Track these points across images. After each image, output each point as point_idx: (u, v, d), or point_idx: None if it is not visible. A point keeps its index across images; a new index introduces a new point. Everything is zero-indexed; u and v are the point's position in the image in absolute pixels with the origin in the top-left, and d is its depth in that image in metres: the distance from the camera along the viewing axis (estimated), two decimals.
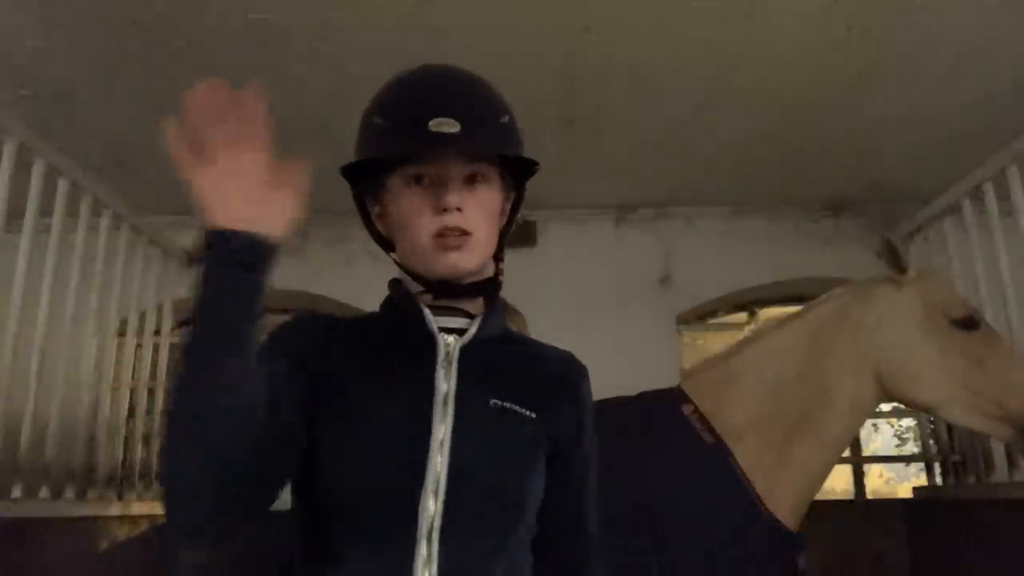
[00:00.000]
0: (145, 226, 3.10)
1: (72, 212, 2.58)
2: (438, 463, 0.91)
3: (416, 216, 0.97)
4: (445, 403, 0.94)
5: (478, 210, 0.97)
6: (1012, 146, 2.39)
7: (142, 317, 3.18)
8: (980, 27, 2.35)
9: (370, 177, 1.03)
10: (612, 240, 3.72)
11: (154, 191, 3.37)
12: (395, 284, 1.07)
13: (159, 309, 3.29)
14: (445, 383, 0.96)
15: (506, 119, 1.01)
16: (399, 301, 1.04)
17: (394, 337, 1.02)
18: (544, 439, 1.00)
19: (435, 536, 0.88)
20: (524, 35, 2.37)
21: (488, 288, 1.03)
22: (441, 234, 0.95)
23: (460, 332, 1.01)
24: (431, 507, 0.89)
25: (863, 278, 2.18)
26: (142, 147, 3.04)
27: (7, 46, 2.37)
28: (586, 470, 1.07)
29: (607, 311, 3.51)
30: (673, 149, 3.17)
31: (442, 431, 0.92)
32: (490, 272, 1.04)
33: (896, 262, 2.02)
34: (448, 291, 1.00)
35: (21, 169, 2.28)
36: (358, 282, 3.53)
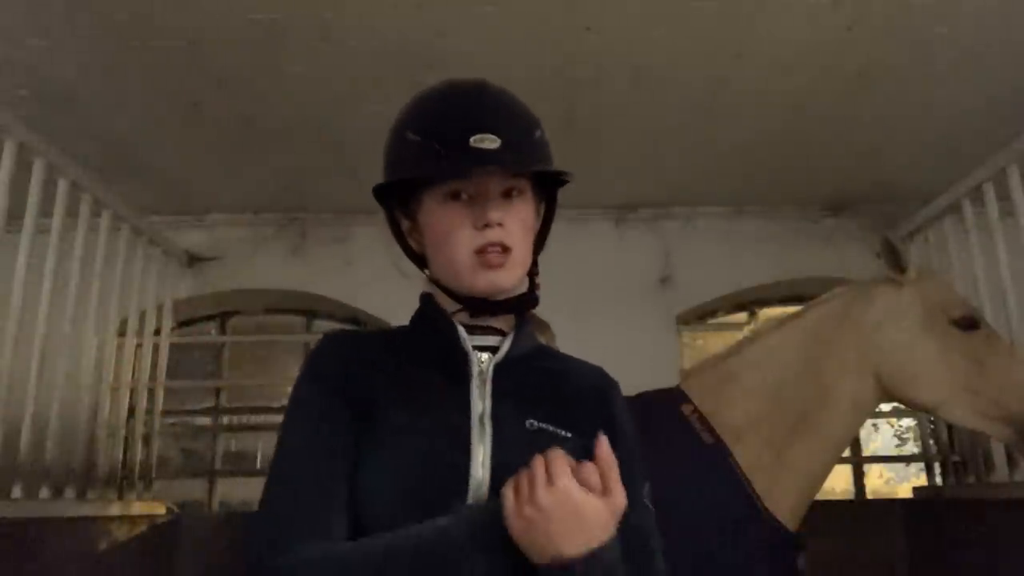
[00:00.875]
0: (145, 226, 3.11)
1: (72, 212, 2.58)
2: (480, 484, 0.89)
3: (455, 232, 0.95)
4: (482, 423, 0.93)
5: (517, 225, 0.97)
6: (1012, 146, 2.40)
7: (142, 317, 3.18)
8: (980, 27, 2.35)
9: (401, 193, 1.02)
10: (612, 240, 3.72)
11: (154, 191, 3.38)
12: (428, 299, 1.04)
13: (159, 309, 3.29)
14: (480, 402, 0.94)
15: (539, 134, 1.01)
16: (433, 318, 1.02)
17: (427, 355, 1.00)
18: (579, 457, 0.94)
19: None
20: (524, 35, 2.37)
21: (523, 304, 1.01)
22: (483, 251, 0.94)
23: (493, 350, 1.00)
24: None
25: (863, 278, 2.18)
26: (142, 147, 3.05)
27: (7, 46, 2.37)
28: (630, 484, 0.97)
29: (607, 311, 3.51)
30: (673, 149, 3.17)
31: (481, 452, 0.91)
32: (524, 288, 1.02)
33: (896, 262, 2.02)
34: (484, 308, 0.99)
35: (21, 169, 2.28)
36: (358, 282, 3.53)
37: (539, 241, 1.06)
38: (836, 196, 3.63)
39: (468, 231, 0.95)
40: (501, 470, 0.89)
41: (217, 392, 3.79)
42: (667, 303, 3.65)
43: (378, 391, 0.96)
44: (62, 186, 2.52)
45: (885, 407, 2.30)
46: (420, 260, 1.05)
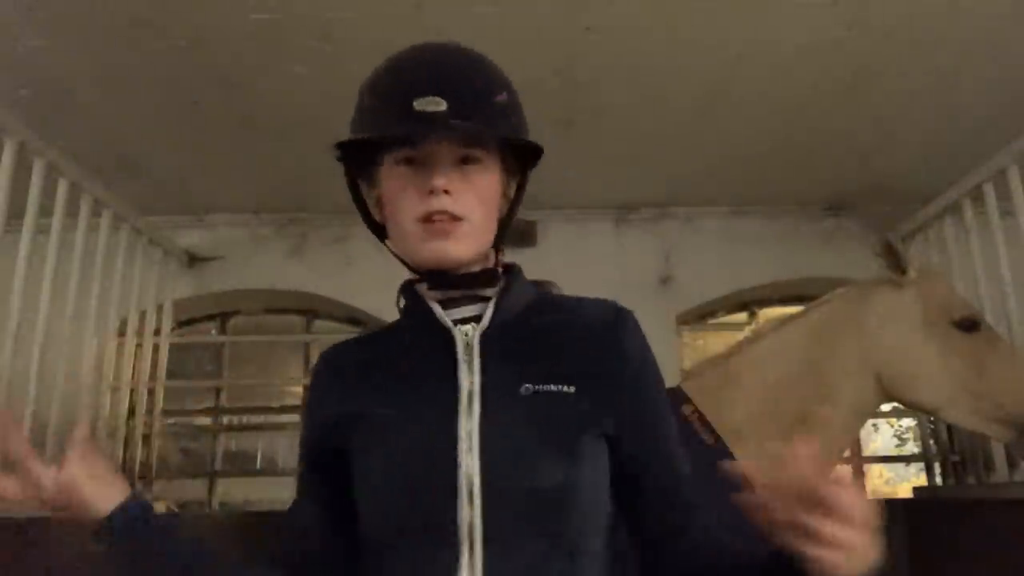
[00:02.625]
0: (145, 226, 3.10)
1: (72, 212, 2.58)
2: (469, 465, 0.85)
3: (402, 199, 0.92)
4: (470, 400, 0.88)
5: (470, 194, 0.91)
6: (1012, 146, 2.39)
7: (142, 317, 3.18)
8: (980, 27, 2.35)
9: (365, 159, 0.98)
10: (612, 240, 3.72)
11: (154, 191, 3.37)
12: (405, 287, 1.01)
13: (159, 309, 3.29)
14: (468, 378, 0.90)
15: (503, 97, 0.94)
16: (407, 302, 0.99)
17: (412, 342, 0.97)
18: (591, 412, 0.91)
19: (477, 544, 0.83)
20: (524, 35, 2.37)
21: (484, 279, 0.96)
22: (428, 219, 0.90)
23: (477, 319, 0.95)
24: (467, 513, 0.83)
25: (863, 278, 2.18)
26: (142, 147, 3.04)
27: (7, 46, 2.37)
28: (657, 425, 0.97)
29: None
30: (673, 149, 3.16)
31: (469, 431, 0.86)
32: (490, 263, 0.99)
33: (895, 263, 2.02)
34: (442, 281, 0.95)
35: (21, 169, 2.28)
36: (358, 282, 3.52)
37: (507, 217, 0.99)
38: (836, 196, 3.62)
39: (414, 198, 0.90)
40: (491, 444, 0.86)
41: (217, 392, 3.79)
42: (667, 303, 3.64)
43: (367, 394, 0.94)
44: (62, 186, 2.52)
45: (885, 407, 2.29)
46: (381, 231, 1.00)
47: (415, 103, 0.88)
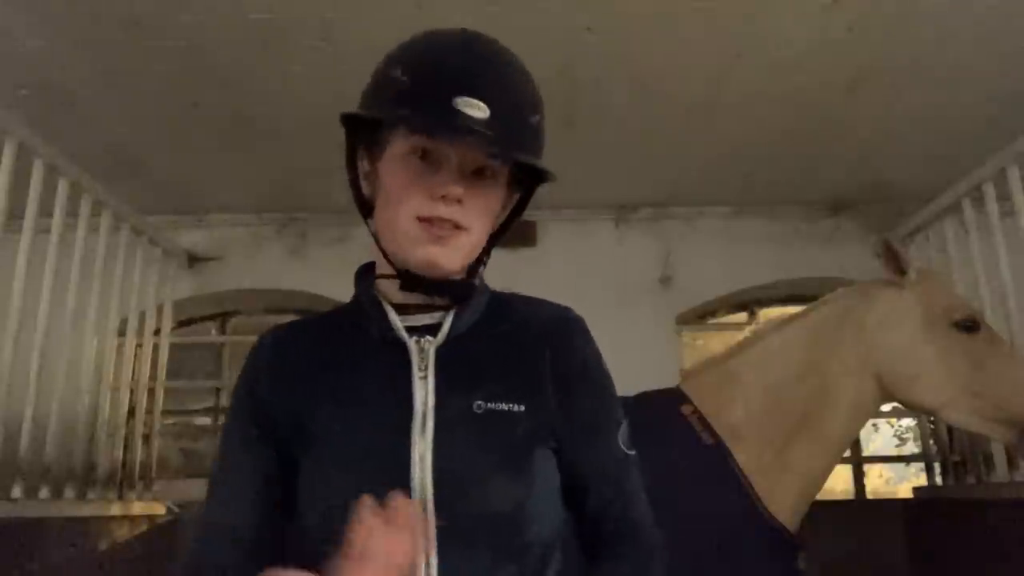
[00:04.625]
0: (145, 226, 3.10)
1: (72, 212, 2.58)
2: (422, 487, 0.82)
3: (408, 192, 0.85)
4: (424, 419, 0.85)
5: (479, 208, 0.87)
6: (1012, 146, 2.39)
7: (142, 317, 3.18)
8: (980, 27, 2.35)
9: (370, 129, 0.92)
10: (612, 240, 3.72)
11: (154, 191, 3.38)
12: (361, 277, 0.96)
13: (159, 309, 3.29)
14: (422, 393, 0.86)
15: (536, 119, 0.91)
16: (363, 301, 0.93)
17: (362, 345, 0.91)
18: (540, 429, 0.89)
19: (433, 561, 0.81)
20: (524, 35, 2.35)
21: (457, 291, 0.91)
22: (429, 220, 0.85)
23: (433, 329, 0.90)
24: (423, 532, 0.81)
25: (863, 278, 2.18)
26: (143, 147, 3.04)
27: (7, 46, 2.37)
28: (593, 435, 0.94)
29: (607, 311, 3.49)
30: (673, 149, 3.16)
31: (421, 451, 0.83)
32: (468, 274, 0.94)
33: (896, 265, 2.02)
34: (415, 285, 0.89)
35: (21, 169, 2.28)
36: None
37: (500, 232, 0.96)
38: (836, 196, 3.62)
39: (421, 196, 0.84)
40: (445, 464, 0.83)
41: (217, 392, 3.79)
42: (667, 303, 3.65)
43: (315, 398, 0.89)
44: (62, 186, 2.52)
45: (885, 407, 2.29)
46: (366, 207, 0.94)
47: (456, 100, 0.82)
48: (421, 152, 0.86)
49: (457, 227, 0.86)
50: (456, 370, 0.89)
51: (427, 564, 0.81)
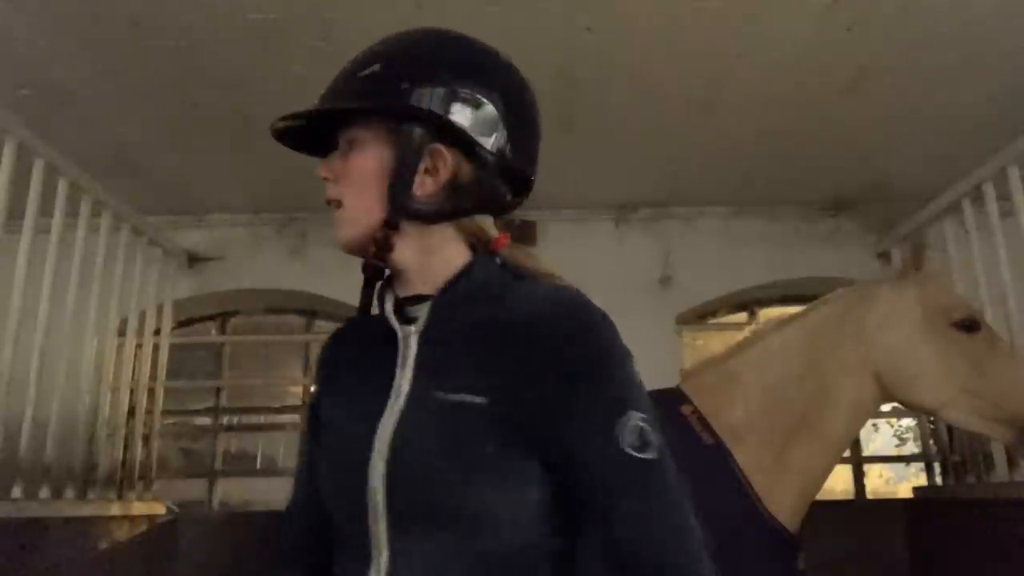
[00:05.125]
0: (145, 226, 3.10)
1: (72, 212, 2.58)
2: (376, 478, 0.82)
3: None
4: (393, 408, 0.85)
5: (345, 179, 0.93)
6: (1012, 146, 2.39)
7: (142, 317, 3.18)
8: (980, 27, 2.35)
9: None
10: (612, 240, 3.72)
11: (154, 191, 3.38)
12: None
13: (159, 309, 3.29)
14: (400, 383, 0.86)
15: (374, 68, 0.91)
16: (373, 294, 0.97)
17: (370, 341, 0.95)
18: (507, 427, 0.80)
19: (384, 551, 0.81)
20: (524, 35, 2.37)
21: (370, 270, 0.92)
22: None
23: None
24: (375, 526, 0.82)
25: (863, 278, 2.18)
26: (142, 147, 3.05)
27: (7, 46, 2.37)
28: (586, 447, 0.79)
29: (607, 311, 3.50)
30: (673, 149, 3.17)
31: (381, 440, 0.83)
32: (437, 255, 0.91)
33: (918, 263, 2.02)
34: (374, 276, 0.95)
35: (21, 169, 2.28)
36: (358, 282, 3.51)
37: (396, 189, 0.89)
38: (836, 196, 3.62)
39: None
40: (401, 455, 0.82)
41: (217, 392, 3.79)
42: (667, 303, 3.65)
43: (330, 394, 0.97)
44: (62, 186, 2.52)
45: (885, 407, 2.29)
46: None
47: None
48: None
49: (336, 203, 0.93)
50: (432, 359, 0.87)
51: (379, 555, 0.82)
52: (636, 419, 0.80)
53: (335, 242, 0.94)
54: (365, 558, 0.82)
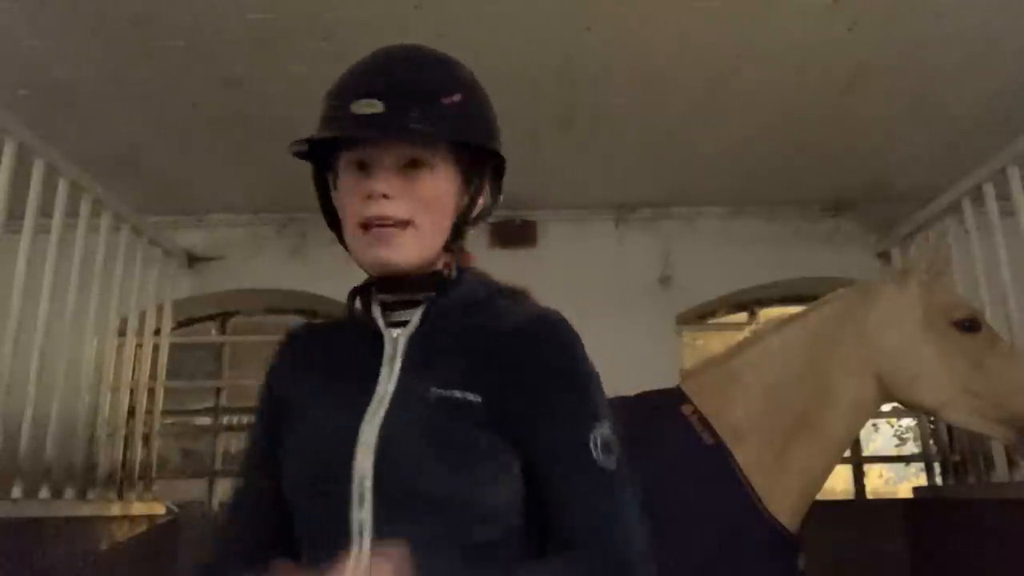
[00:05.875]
0: (145, 226, 3.10)
1: (72, 212, 2.58)
2: (363, 468, 0.84)
3: (347, 203, 0.92)
4: (380, 403, 0.88)
5: (414, 199, 0.89)
6: (1012, 146, 2.39)
7: (142, 317, 3.18)
8: (980, 27, 2.35)
9: (330, 162, 0.99)
10: (612, 240, 3.72)
11: (154, 191, 3.38)
12: (364, 282, 1.02)
13: (159, 309, 3.29)
14: (386, 381, 0.90)
15: (455, 98, 0.91)
16: (353, 299, 0.99)
17: (352, 340, 0.98)
18: (497, 426, 0.87)
19: (366, 543, 0.83)
20: (524, 35, 2.37)
21: (432, 283, 0.95)
22: (368, 225, 0.89)
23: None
24: (359, 513, 0.84)
25: (863, 278, 2.18)
26: (143, 147, 3.05)
27: (7, 46, 2.37)
28: (564, 449, 0.88)
29: (607, 311, 3.50)
30: (673, 149, 3.17)
31: (368, 432, 0.86)
32: (440, 265, 0.97)
33: (937, 261, 2.02)
34: (388, 285, 0.95)
35: (21, 169, 2.28)
36: (357, 282, 3.51)
37: (464, 220, 0.96)
38: (836, 196, 3.63)
39: (356, 202, 0.90)
40: (388, 447, 0.85)
41: (217, 392, 3.79)
42: (667, 303, 3.65)
43: (302, 384, 0.97)
44: (62, 186, 2.52)
45: (885, 407, 2.29)
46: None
47: (352, 105, 0.89)
48: (358, 165, 0.92)
49: (401, 224, 0.89)
50: (421, 359, 0.92)
51: (361, 542, 0.83)
52: (604, 430, 0.90)
53: (390, 261, 0.89)
54: (342, 547, 0.83)
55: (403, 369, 0.91)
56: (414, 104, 0.89)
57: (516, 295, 1.03)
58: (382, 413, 0.87)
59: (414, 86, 0.91)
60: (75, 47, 2.40)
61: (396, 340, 0.93)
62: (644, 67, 2.57)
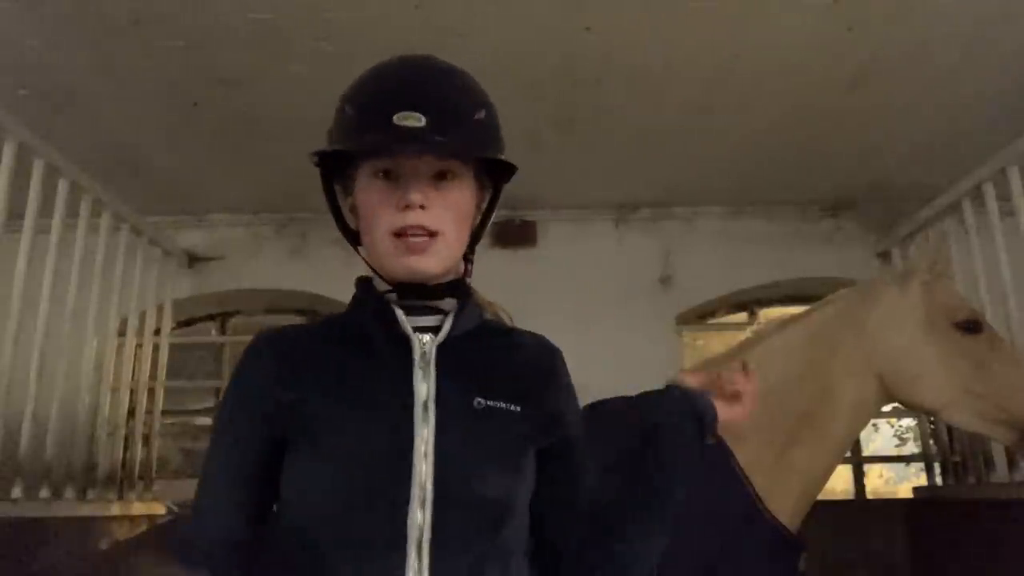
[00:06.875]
0: (145, 226, 3.10)
1: (72, 212, 2.58)
2: (423, 472, 0.88)
3: (378, 211, 0.94)
4: (426, 408, 0.91)
5: (445, 209, 0.93)
6: (1012, 146, 2.39)
7: (142, 317, 3.18)
8: (980, 27, 2.35)
9: (342, 167, 1.00)
10: (612, 240, 3.72)
11: (154, 191, 3.37)
12: (363, 284, 1.03)
13: (159, 309, 3.29)
14: (424, 385, 0.92)
15: (481, 115, 0.96)
16: (370, 302, 0.99)
17: (366, 342, 0.97)
18: (532, 433, 0.97)
19: (425, 546, 0.86)
20: (524, 35, 2.37)
21: (455, 290, 0.99)
22: (402, 233, 0.92)
23: (435, 330, 0.97)
24: (419, 517, 0.86)
25: (863, 278, 2.18)
26: (142, 147, 3.04)
27: (7, 46, 2.37)
28: (580, 456, 1.04)
29: (607, 311, 3.50)
30: (673, 149, 3.16)
31: (424, 438, 0.89)
32: (459, 272, 1.01)
33: (938, 260, 2.02)
34: (412, 292, 0.97)
35: (21, 169, 2.28)
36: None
37: (479, 230, 1.02)
38: (836, 196, 3.62)
39: (390, 211, 0.92)
40: (445, 454, 0.89)
41: (217, 392, 3.79)
42: (667, 303, 3.65)
43: (311, 388, 0.93)
44: (62, 186, 2.52)
45: (885, 407, 2.29)
46: (355, 237, 1.02)
47: (395, 117, 0.90)
48: (383, 173, 0.94)
49: (429, 233, 0.92)
50: (456, 368, 0.95)
51: (419, 552, 0.86)
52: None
53: (419, 269, 0.93)
54: (396, 557, 0.85)
55: (439, 376, 0.93)
56: (451, 119, 0.93)
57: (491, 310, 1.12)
58: (432, 419, 0.90)
59: (450, 102, 0.94)
60: (76, 47, 2.40)
61: (426, 346, 0.95)
62: (644, 67, 2.57)
